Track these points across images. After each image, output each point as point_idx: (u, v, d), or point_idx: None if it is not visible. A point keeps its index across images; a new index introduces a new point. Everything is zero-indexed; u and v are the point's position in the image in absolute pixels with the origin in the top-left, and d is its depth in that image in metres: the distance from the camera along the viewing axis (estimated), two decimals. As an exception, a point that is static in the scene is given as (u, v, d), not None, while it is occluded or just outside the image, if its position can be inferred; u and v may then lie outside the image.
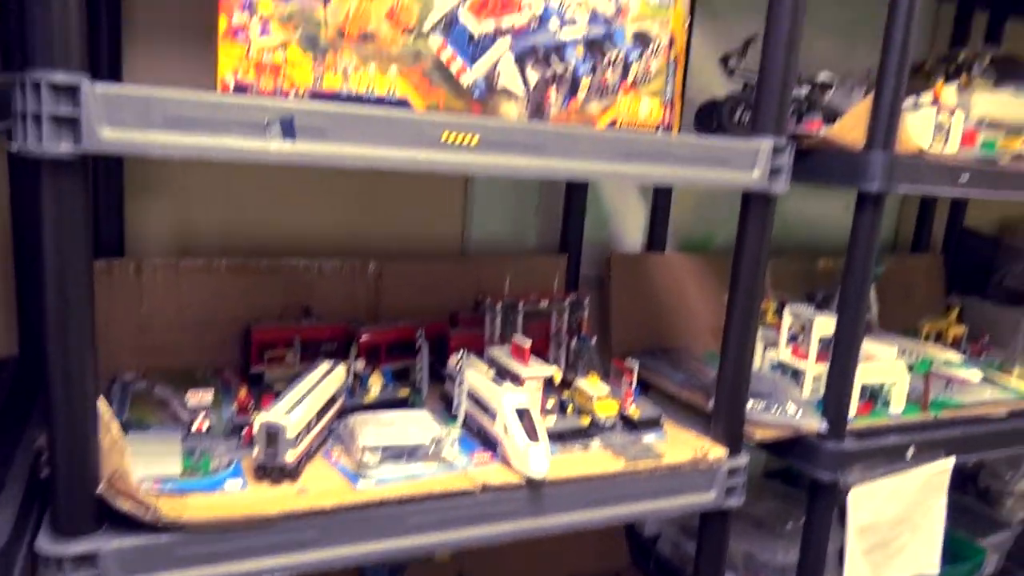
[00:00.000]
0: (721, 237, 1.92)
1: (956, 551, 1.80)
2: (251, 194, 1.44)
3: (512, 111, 0.99)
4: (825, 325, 1.45)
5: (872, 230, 1.27)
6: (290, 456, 0.97)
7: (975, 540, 1.90)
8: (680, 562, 1.76)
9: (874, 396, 1.48)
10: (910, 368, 1.52)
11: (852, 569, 1.41)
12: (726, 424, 1.25)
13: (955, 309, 1.97)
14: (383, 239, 1.56)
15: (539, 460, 1.05)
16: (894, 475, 1.38)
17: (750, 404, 1.32)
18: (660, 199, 1.81)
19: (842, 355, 1.33)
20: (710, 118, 1.51)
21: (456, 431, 1.20)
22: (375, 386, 1.24)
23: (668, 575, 1.77)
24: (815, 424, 1.34)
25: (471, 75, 0.95)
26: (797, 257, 1.95)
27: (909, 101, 1.33)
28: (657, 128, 1.08)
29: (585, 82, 1.02)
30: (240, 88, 0.84)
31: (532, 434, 1.07)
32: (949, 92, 1.40)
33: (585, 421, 1.24)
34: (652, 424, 1.28)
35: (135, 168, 1.33)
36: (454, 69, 0.94)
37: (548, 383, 1.26)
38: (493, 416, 1.12)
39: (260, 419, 0.96)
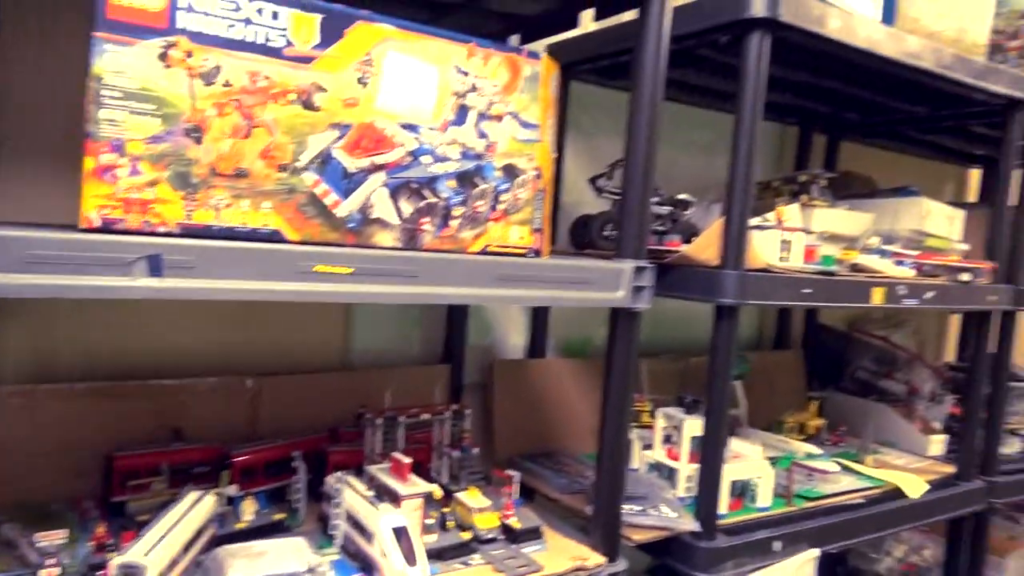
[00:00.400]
0: (599, 339, 2.00)
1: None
2: (118, 315, 1.39)
3: (387, 240, 1.02)
4: (694, 426, 1.53)
5: (729, 338, 1.38)
6: (151, 599, 0.92)
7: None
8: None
9: (744, 492, 1.56)
10: (774, 463, 1.62)
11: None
12: (604, 530, 1.29)
13: (815, 402, 2.12)
14: (261, 354, 1.53)
15: (417, 584, 1.04)
16: (764, 570, 1.45)
17: (628, 507, 1.37)
18: (540, 307, 1.88)
19: (710, 455, 1.41)
20: (583, 232, 1.61)
21: (333, 555, 1.17)
22: (248, 511, 1.20)
23: None
24: (688, 524, 1.40)
25: (345, 207, 0.98)
26: (672, 357, 2.05)
27: (756, 220, 1.47)
28: (526, 253, 1.14)
29: (458, 211, 1.07)
30: (107, 225, 0.83)
31: (410, 557, 1.06)
32: (791, 212, 1.56)
33: (466, 535, 1.24)
34: (532, 535, 1.29)
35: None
36: (328, 202, 0.96)
37: (429, 497, 1.26)
38: (371, 538, 1.11)
39: (117, 561, 0.91)
